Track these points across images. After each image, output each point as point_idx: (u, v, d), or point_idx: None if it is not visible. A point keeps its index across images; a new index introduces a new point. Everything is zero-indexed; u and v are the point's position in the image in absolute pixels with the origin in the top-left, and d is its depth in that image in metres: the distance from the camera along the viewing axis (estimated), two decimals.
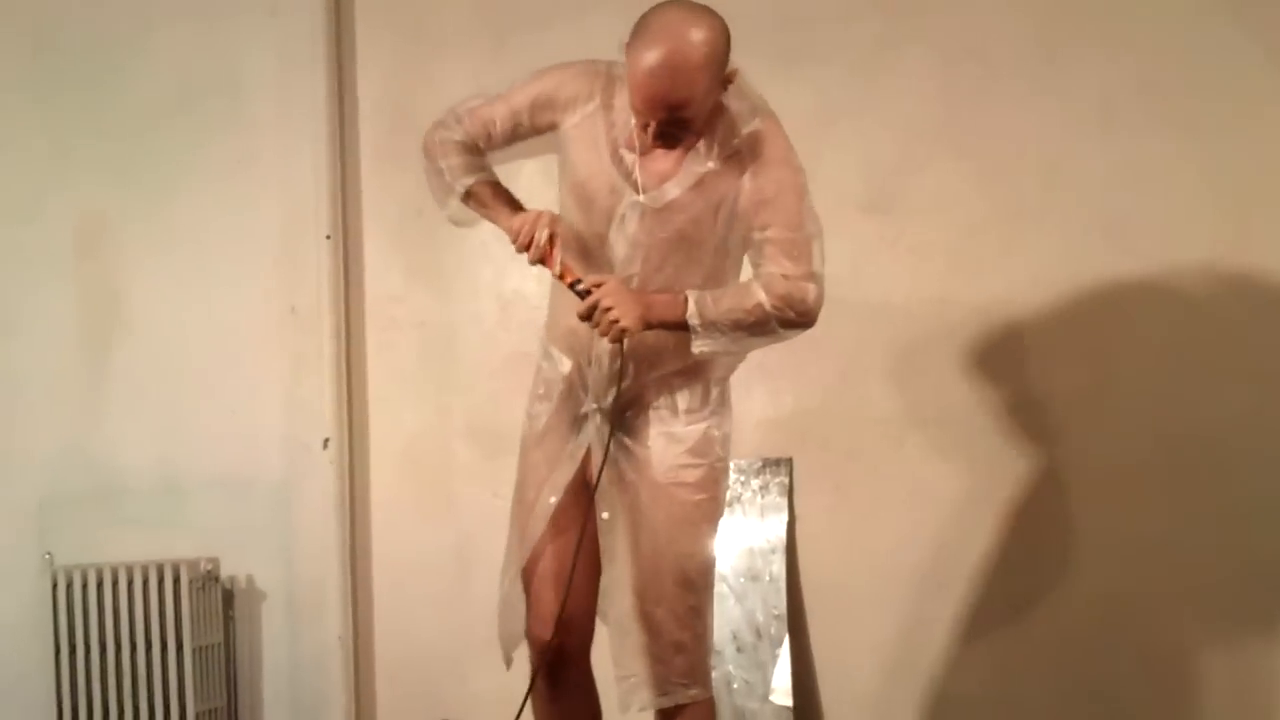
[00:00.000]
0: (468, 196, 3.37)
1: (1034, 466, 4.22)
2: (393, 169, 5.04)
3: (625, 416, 3.21)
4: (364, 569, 4.97)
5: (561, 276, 3.15)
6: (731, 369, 3.31)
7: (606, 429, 3.19)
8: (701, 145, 3.11)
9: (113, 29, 5.31)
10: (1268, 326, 4.03)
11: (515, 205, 3.35)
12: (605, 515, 3.22)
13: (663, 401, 3.21)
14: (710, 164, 3.10)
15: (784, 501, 4.33)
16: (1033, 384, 4.23)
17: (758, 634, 4.32)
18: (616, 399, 3.16)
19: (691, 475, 3.19)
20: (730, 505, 4.34)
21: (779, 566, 4.24)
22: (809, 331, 4.38)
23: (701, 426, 3.22)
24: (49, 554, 5.01)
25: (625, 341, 3.07)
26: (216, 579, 4.97)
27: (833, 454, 4.37)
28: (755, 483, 4.39)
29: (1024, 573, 4.23)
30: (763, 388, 4.47)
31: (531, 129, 3.32)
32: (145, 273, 5.23)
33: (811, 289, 3.08)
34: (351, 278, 5.05)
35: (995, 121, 4.28)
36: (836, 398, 4.37)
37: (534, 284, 4.75)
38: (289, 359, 5.06)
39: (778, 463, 4.39)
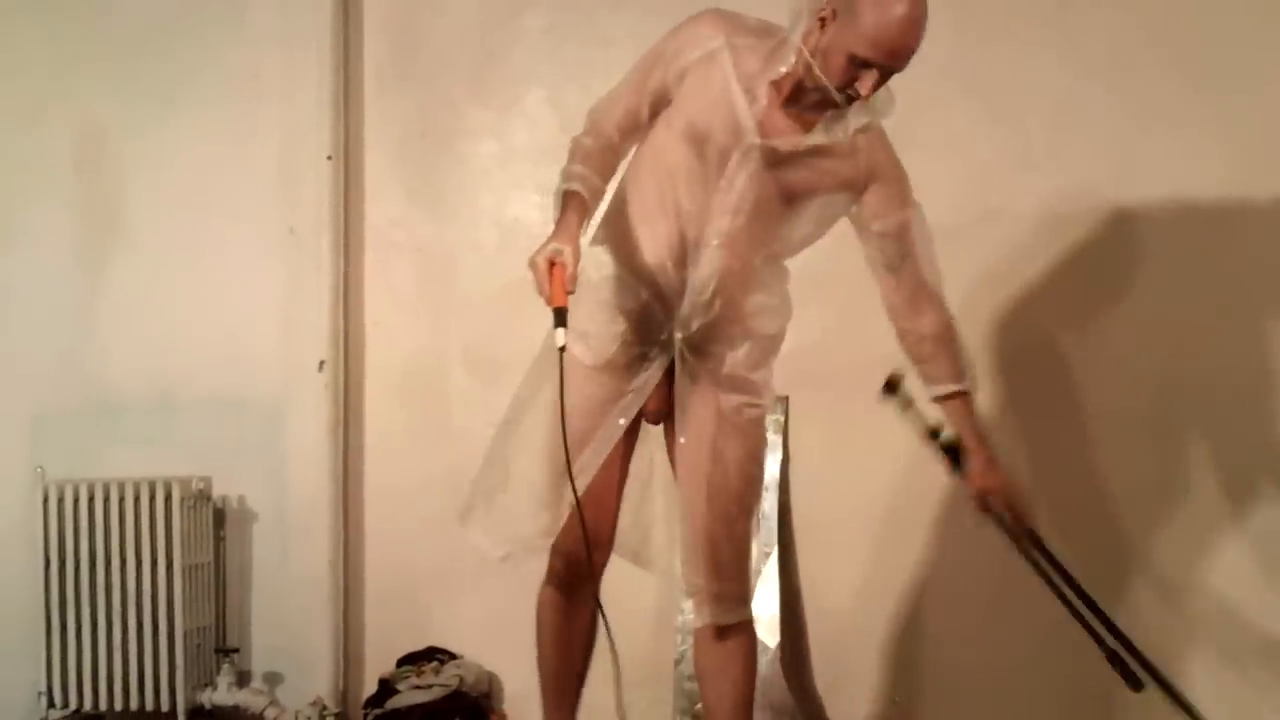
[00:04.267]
0: (564, 197, 3.26)
1: (1033, 407, 4.22)
2: (396, 90, 5.00)
3: (702, 350, 3.28)
4: (356, 493, 4.97)
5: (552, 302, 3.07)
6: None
7: (687, 356, 3.27)
8: (831, 119, 3.14)
9: None
10: (1274, 270, 4.00)
11: (578, 225, 3.24)
12: (682, 440, 3.30)
13: (736, 343, 3.30)
14: (840, 136, 3.14)
15: (779, 440, 4.29)
16: (1034, 326, 4.23)
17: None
18: (700, 329, 3.25)
19: (752, 414, 3.33)
20: None
21: (771, 504, 4.22)
22: (810, 270, 4.40)
23: (763, 373, 3.35)
24: (40, 468, 4.99)
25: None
26: (208, 498, 4.97)
27: (829, 393, 4.34)
28: None
29: None
30: None
31: (663, 95, 3.26)
32: (144, 187, 5.20)
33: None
34: (351, 200, 5.02)
35: (1004, 62, 4.25)
36: (835, 337, 4.34)
37: (536, 212, 4.73)
38: (286, 280, 5.04)
39: (774, 400, 4.36)
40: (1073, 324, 4.20)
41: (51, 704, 4.89)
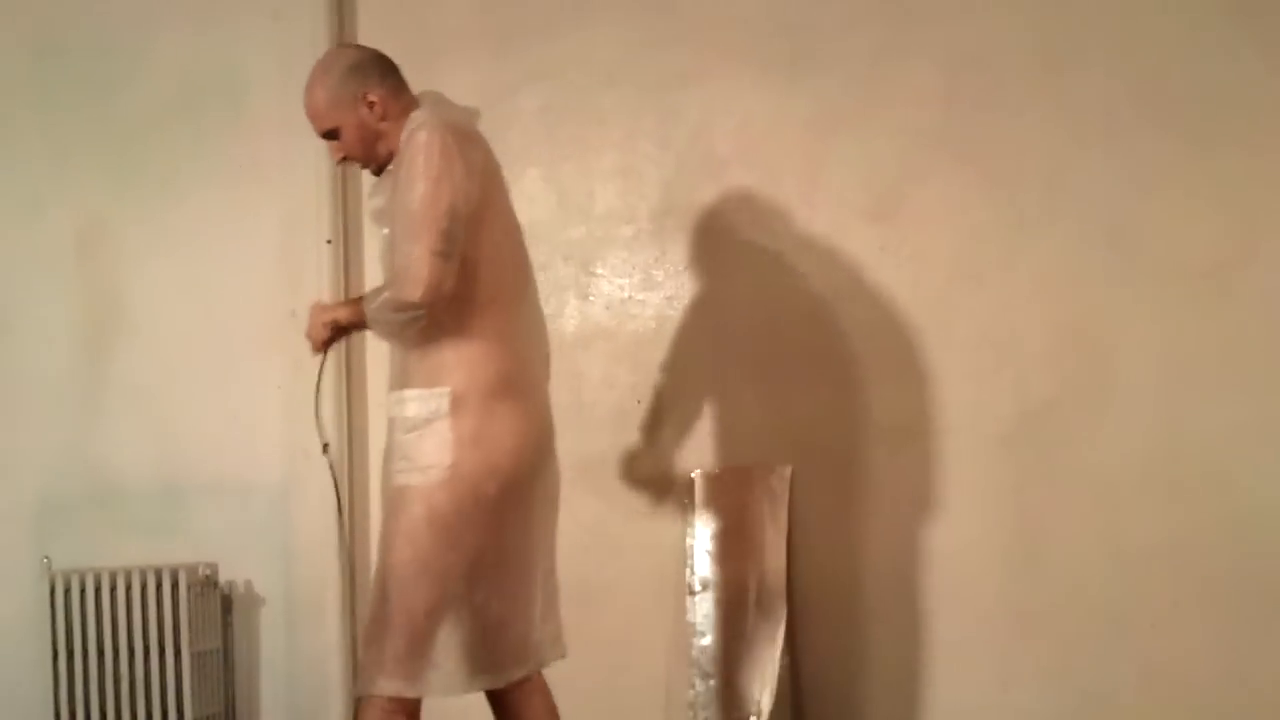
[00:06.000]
0: None
1: (1034, 475, 4.21)
2: None
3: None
4: (363, 575, 4.94)
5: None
6: (459, 379, 3.35)
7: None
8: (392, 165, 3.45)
9: (115, 32, 5.32)
10: (1270, 335, 4.01)
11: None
12: None
13: (396, 414, 3.40)
14: (384, 196, 3.44)
15: (783, 512, 4.30)
16: (1034, 392, 4.21)
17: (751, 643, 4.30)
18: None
19: (402, 480, 3.35)
20: (723, 513, 4.35)
21: (776, 577, 4.22)
22: (811, 339, 4.41)
23: (414, 436, 3.34)
24: (47, 558, 5.00)
25: (326, 352, 3.59)
26: (215, 584, 4.97)
27: (832, 463, 4.35)
28: (754, 490, 4.37)
29: (1024, 582, 4.22)
30: (762, 395, 4.46)
31: None
32: (146, 275, 5.23)
33: (416, 270, 3.20)
34: (352, 282, 5.03)
35: (997, 129, 4.26)
36: (836, 406, 4.35)
37: None
38: (288, 363, 5.03)
39: (776, 471, 4.36)
40: (1066, 392, 4.19)
41: None
